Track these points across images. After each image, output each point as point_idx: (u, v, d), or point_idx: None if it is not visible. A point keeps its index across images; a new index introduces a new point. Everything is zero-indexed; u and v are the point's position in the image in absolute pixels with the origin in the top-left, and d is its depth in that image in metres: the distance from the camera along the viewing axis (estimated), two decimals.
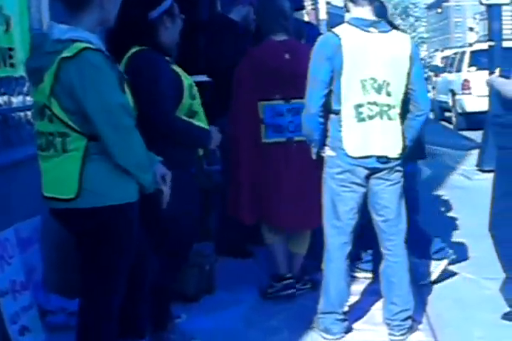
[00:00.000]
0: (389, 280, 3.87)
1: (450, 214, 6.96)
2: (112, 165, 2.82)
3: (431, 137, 8.54)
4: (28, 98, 3.66)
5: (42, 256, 3.66)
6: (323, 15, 31.73)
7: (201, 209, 3.79)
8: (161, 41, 3.54)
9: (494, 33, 9.10)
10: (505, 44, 10.34)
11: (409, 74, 3.67)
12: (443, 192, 8.17)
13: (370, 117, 3.63)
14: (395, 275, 3.85)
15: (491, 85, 4.16)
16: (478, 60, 15.45)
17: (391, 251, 3.84)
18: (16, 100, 3.84)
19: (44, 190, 2.91)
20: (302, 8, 7.47)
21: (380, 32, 3.66)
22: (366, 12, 3.68)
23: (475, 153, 10.40)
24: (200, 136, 3.59)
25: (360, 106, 3.61)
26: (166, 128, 3.40)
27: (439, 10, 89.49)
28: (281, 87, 3.84)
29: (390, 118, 3.66)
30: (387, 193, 3.76)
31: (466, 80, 15.29)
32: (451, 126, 16.24)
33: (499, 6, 9.12)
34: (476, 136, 11.69)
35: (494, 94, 4.14)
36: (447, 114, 17.14)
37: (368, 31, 3.64)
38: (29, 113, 3.77)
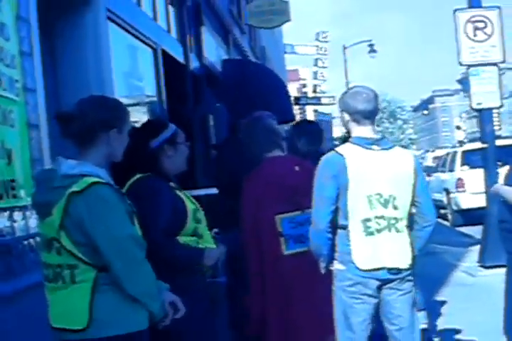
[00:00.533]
0: None
1: (457, 313, 6.94)
2: (122, 295, 2.83)
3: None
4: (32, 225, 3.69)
5: None
6: None
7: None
8: (165, 169, 3.61)
9: (487, 135, 9.36)
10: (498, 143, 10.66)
11: (414, 187, 3.78)
12: (447, 291, 8.23)
13: (378, 231, 3.71)
14: None
15: (496, 193, 4.34)
16: (470, 159, 15.86)
17: None
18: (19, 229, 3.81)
19: (52, 321, 2.90)
20: (293, 119, 7.74)
21: (382, 149, 3.78)
22: (368, 131, 3.81)
23: (474, 249, 10.48)
24: (191, 256, 3.56)
25: (367, 220, 3.70)
26: (155, 255, 3.26)
27: (426, 112, 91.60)
28: (296, 199, 3.94)
29: (398, 231, 3.75)
30: (400, 302, 3.81)
31: (459, 179, 15.66)
32: (446, 223, 16.42)
33: (490, 109, 9.46)
34: (474, 231, 11.82)
35: (500, 202, 4.31)
36: (442, 211, 17.36)
37: (371, 149, 3.75)
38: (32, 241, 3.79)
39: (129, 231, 2.85)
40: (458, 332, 6.16)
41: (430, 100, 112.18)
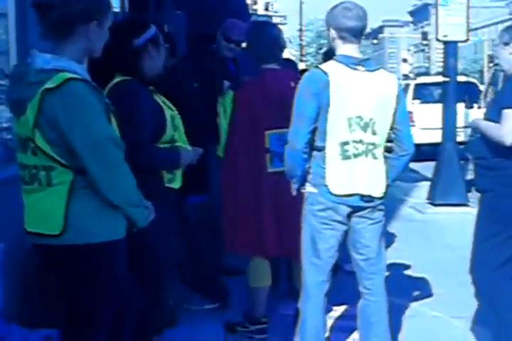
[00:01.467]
0: (368, 319, 3.79)
1: (406, 248, 6.92)
2: (100, 200, 2.70)
3: None
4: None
5: (2, 286, 3.45)
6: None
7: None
8: (145, 70, 3.45)
9: (450, 69, 9.18)
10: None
11: (394, 113, 3.64)
12: (396, 226, 8.17)
13: (356, 155, 3.57)
14: (374, 314, 3.78)
15: (474, 128, 4.15)
16: (422, 93, 15.80)
17: (370, 290, 3.78)
18: None
19: (27, 224, 2.77)
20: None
21: (367, 70, 3.62)
22: (354, 50, 3.65)
23: (422, 185, 10.50)
24: (169, 157, 3.52)
25: (345, 143, 3.56)
26: (138, 160, 3.21)
27: (375, 41, 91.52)
28: (286, 115, 3.76)
29: (374, 157, 3.62)
30: (369, 232, 3.70)
31: (409, 112, 15.45)
32: None
33: (455, 43, 9.23)
34: (421, 168, 11.83)
35: (478, 138, 4.10)
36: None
37: (356, 69, 3.60)
38: None
39: (107, 132, 2.69)
40: (407, 267, 6.13)
41: (379, 30, 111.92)
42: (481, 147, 4.07)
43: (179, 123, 3.57)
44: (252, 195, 4.31)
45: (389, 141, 3.69)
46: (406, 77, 29.60)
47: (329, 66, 3.61)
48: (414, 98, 15.90)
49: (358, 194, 3.58)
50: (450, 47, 9.23)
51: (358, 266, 3.77)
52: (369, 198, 3.60)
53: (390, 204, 9.63)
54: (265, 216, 4.29)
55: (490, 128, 3.96)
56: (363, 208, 3.63)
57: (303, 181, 3.72)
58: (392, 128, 3.66)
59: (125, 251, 2.85)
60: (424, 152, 11.59)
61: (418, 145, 14.13)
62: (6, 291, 3.34)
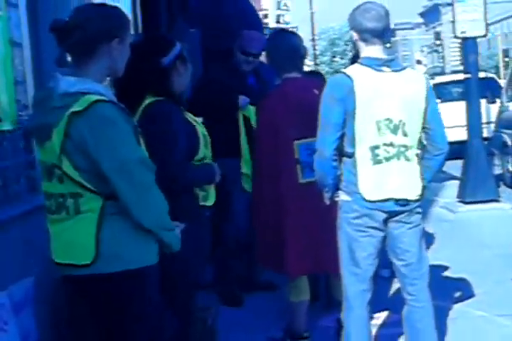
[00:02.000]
0: (414, 326, 3.68)
1: (440, 249, 6.76)
2: (131, 225, 2.59)
3: None
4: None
5: (36, 319, 3.36)
6: None
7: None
8: (175, 88, 3.37)
9: (470, 65, 9.03)
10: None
11: (425, 113, 3.53)
12: (428, 227, 8.04)
13: (387, 159, 3.47)
14: (420, 320, 3.67)
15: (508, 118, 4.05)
16: (441, 92, 15.65)
17: (414, 296, 3.67)
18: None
19: (55, 255, 2.66)
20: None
21: (393, 71, 3.52)
22: (378, 51, 3.55)
23: (451, 184, 10.35)
24: (206, 174, 3.44)
25: (376, 147, 3.46)
26: (174, 178, 3.19)
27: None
28: (313, 124, 3.64)
29: (407, 159, 3.51)
30: (408, 237, 3.59)
31: None
32: None
33: (474, 39, 9.10)
34: (448, 167, 11.66)
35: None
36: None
37: (381, 70, 3.50)
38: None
39: (137, 154, 2.59)
40: (445, 268, 5.99)
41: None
42: None
43: (209, 142, 3.49)
44: (281, 210, 4.17)
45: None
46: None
47: (353, 70, 3.54)
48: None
49: (392, 198, 3.48)
50: (469, 44, 9.09)
51: (400, 272, 3.67)
52: (404, 202, 3.50)
53: (422, 205, 9.58)
54: (292, 232, 4.15)
55: None
56: (400, 213, 3.52)
57: (335, 189, 3.61)
58: (424, 128, 3.55)
59: (157, 276, 2.74)
60: (450, 151, 11.41)
61: (452, 143, 14.14)
62: (38, 325, 3.26)
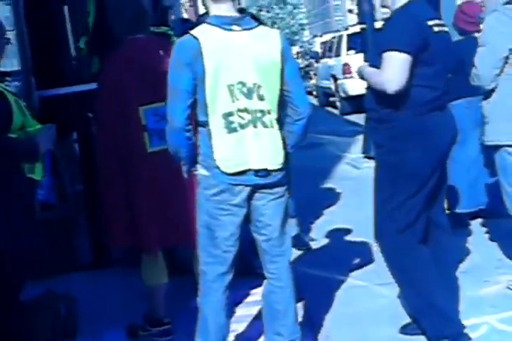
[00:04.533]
0: (273, 307, 3.42)
1: (340, 211, 6.58)
2: None
3: (314, 125, 8.17)
4: None
5: None
6: (202, 10, 31.36)
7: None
8: None
9: (365, 15, 8.74)
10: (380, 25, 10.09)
11: (282, 73, 3.23)
12: (332, 185, 7.79)
13: (242, 126, 3.17)
14: (279, 301, 3.40)
15: (360, 76, 3.70)
16: (356, 42, 15.36)
17: (275, 275, 3.40)
18: None
19: None
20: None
21: (244, 29, 3.20)
22: (227, 8, 3.22)
23: (360, 138, 10.14)
24: (26, 148, 3.24)
25: (229, 114, 3.15)
26: None
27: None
28: (160, 88, 3.34)
29: (265, 126, 3.21)
30: (270, 209, 3.31)
31: (346, 64, 15.19)
32: (336, 111, 16.08)
33: None
34: (362, 119, 11.47)
35: (369, 87, 3.65)
36: (331, 99, 17.02)
37: (231, 30, 3.18)
38: None
39: None
40: (340, 232, 5.76)
41: None
42: (369, 97, 3.65)
43: (24, 107, 3.31)
44: (129, 181, 3.87)
45: None
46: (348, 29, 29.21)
47: (200, 30, 3.20)
48: (349, 49, 15.53)
49: (251, 169, 3.18)
50: None
51: (261, 247, 3.40)
52: (265, 172, 3.21)
53: (325, 162, 9.37)
54: (144, 204, 3.86)
55: (372, 74, 3.54)
56: (263, 186, 3.24)
57: (193, 162, 3.31)
58: (283, 91, 3.26)
59: None
60: (359, 104, 11.22)
61: (358, 97, 13.84)
62: None
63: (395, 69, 3.38)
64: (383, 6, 3.76)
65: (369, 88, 3.65)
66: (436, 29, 3.48)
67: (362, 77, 3.69)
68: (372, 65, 3.58)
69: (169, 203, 3.85)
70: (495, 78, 4.00)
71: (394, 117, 3.50)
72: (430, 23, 3.47)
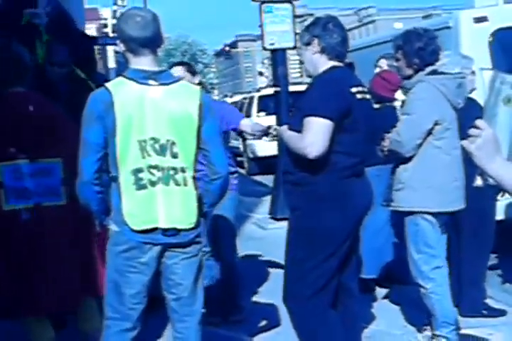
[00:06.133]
0: None
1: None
2: None
3: None
4: None
5: None
6: (111, 63, 31.31)
7: None
8: None
9: (280, 78, 8.87)
10: (293, 88, 10.31)
11: (199, 132, 3.18)
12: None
13: (152, 183, 3.11)
14: None
15: (280, 138, 3.72)
16: (267, 104, 15.64)
17: (183, 334, 3.32)
18: None
19: None
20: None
21: (160, 84, 3.15)
22: (148, 62, 3.18)
23: (267, 199, 10.17)
24: None
25: (139, 171, 3.09)
26: None
27: (227, 48, 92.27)
28: (24, 145, 3.22)
29: (177, 184, 3.15)
30: (181, 268, 3.24)
31: None
32: (243, 171, 16.14)
33: (283, 50, 8.93)
34: (269, 181, 11.54)
35: (286, 149, 3.65)
36: (239, 159, 17.10)
37: (146, 84, 3.13)
38: None
39: None
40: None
41: (233, 45, 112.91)
42: (286, 160, 3.65)
43: None
44: None
45: None
46: (261, 89, 29.75)
47: (115, 83, 3.15)
48: (259, 110, 15.76)
49: (159, 228, 3.11)
50: (278, 56, 8.93)
51: (169, 306, 3.31)
52: (174, 232, 3.14)
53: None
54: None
55: (292, 138, 3.55)
56: (174, 245, 3.17)
57: (104, 215, 3.24)
58: (200, 149, 3.21)
59: None
60: (272, 164, 11.30)
61: (265, 158, 13.91)
62: None
63: (316, 135, 3.40)
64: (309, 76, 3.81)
65: (286, 151, 3.66)
66: (359, 96, 3.55)
67: (279, 139, 3.71)
68: (292, 129, 3.60)
69: (49, 264, 3.73)
70: (416, 147, 3.98)
71: (311, 181, 3.51)
72: (353, 90, 3.53)
